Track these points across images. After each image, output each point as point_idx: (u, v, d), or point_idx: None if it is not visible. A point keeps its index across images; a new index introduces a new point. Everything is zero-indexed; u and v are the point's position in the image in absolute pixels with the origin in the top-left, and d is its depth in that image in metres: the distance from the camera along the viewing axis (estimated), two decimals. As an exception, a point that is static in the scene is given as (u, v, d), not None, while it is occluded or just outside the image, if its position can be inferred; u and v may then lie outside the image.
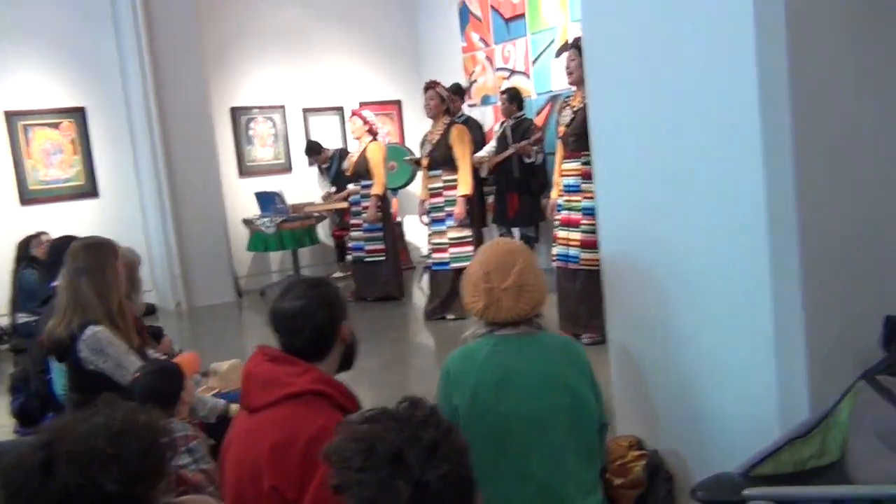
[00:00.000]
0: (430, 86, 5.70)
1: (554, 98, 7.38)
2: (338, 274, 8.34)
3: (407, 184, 8.40)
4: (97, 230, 6.57)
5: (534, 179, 7.19)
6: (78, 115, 7.19)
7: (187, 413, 2.75)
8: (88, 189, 7.30)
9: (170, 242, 7.32)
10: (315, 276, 4.39)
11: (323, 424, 1.93)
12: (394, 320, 6.42)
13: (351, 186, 7.58)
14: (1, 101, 6.84)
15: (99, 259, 2.99)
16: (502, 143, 7.15)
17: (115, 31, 7.18)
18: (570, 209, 4.78)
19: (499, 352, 2.14)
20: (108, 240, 3.15)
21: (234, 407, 3.03)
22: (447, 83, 8.11)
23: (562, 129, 4.81)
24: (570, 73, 4.73)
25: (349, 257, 7.20)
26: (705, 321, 2.30)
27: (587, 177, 4.69)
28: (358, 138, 6.86)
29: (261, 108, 8.29)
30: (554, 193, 5.00)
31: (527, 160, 7.02)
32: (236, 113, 8.13)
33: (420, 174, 8.36)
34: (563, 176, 4.84)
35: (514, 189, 7.12)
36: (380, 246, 6.86)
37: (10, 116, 6.88)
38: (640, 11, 2.34)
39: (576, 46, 4.70)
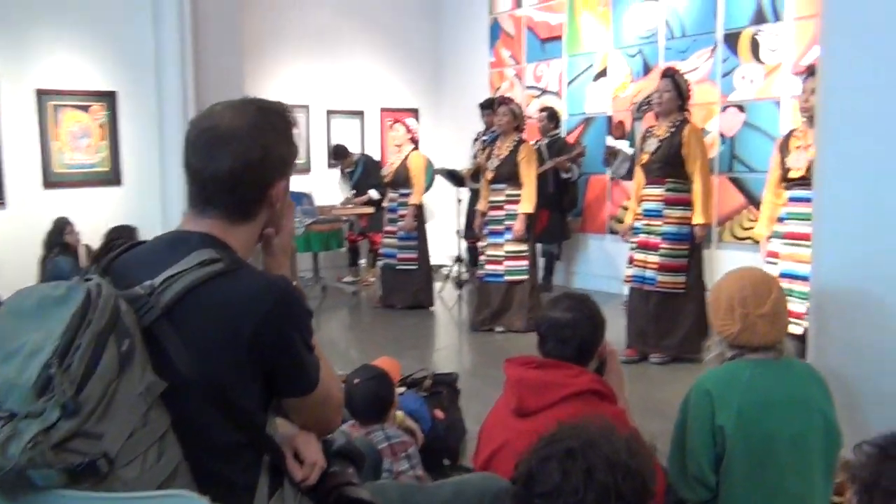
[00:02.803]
0: (504, 101, 5.79)
1: (587, 120, 7.60)
2: (348, 279, 8.31)
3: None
4: (118, 219, 6.46)
5: (566, 196, 7.38)
6: (109, 99, 6.94)
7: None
8: (112, 176, 7.05)
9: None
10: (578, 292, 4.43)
11: (611, 416, 2.05)
12: (432, 329, 6.46)
13: (372, 192, 7.64)
14: (34, 78, 6.54)
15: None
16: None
17: (154, 18, 6.97)
18: (648, 233, 4.96)
19: (760, 375, 2.27)
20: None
21: (400, 414, 3.06)
22: (471, 97, 8.27)
23: (645, 156, 4.98)
24: (659, 104, 4.90)
25: (380, 263, 7.19)
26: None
27: (670, 203, 4.90)
28: (399, 146, 6.89)
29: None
30: (629, 218, 5.18)
31: (563, 176, 7.19)
32: (261, 109, 8.01)
33: (437, 183, 8.50)
34: (643, 201, 5.02)
35: (544, 205, 7.24)
36: (413, 255, 6.89)
37: (41, 95, 6.59)
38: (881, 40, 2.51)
39: (670, 77, 4.89)
